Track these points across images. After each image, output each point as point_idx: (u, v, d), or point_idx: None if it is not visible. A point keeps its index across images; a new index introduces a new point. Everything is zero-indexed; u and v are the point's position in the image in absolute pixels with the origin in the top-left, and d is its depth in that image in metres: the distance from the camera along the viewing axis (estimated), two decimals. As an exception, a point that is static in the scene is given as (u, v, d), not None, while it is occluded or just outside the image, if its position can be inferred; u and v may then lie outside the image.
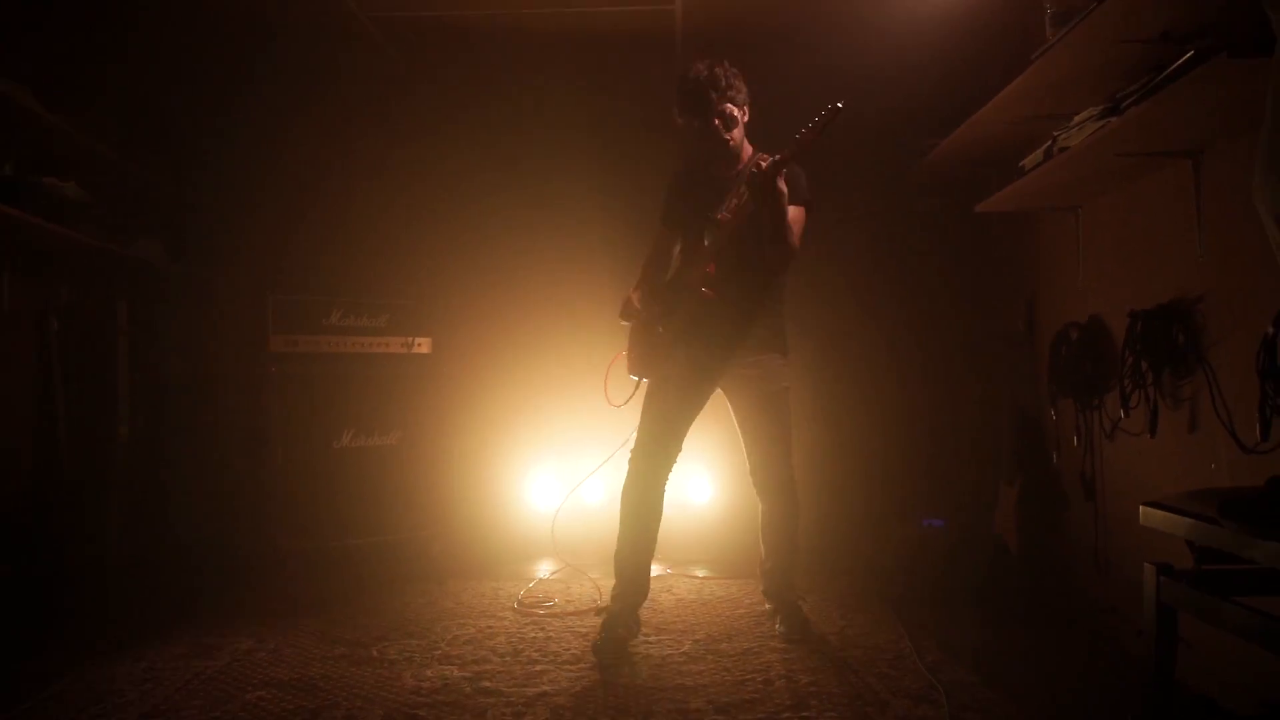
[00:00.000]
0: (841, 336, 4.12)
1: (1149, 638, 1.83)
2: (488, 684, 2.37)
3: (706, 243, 2.62)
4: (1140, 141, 2.15)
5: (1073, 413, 2.88)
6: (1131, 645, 2.52)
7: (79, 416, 3.48)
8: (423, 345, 4.05)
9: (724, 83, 2.60)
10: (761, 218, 2.50)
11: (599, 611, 2.77)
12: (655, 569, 3.72)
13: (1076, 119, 2.27)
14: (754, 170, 2.45)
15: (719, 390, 2.78)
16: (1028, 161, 2.64)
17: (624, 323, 2.88)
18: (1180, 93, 1.82)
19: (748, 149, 2.73)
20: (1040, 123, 2.88)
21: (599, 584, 3.48)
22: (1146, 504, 1.84)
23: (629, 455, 2.74)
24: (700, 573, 3.68)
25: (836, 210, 4.10)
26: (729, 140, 2.64)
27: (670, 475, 2.74)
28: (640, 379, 2.84)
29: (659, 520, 2.75)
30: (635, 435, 2.73)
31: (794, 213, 2.57)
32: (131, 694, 2.30)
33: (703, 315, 2.62)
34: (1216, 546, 1.63)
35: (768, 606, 2.92)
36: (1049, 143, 2.47)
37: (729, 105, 2.61)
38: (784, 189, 2.46)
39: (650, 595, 3.28)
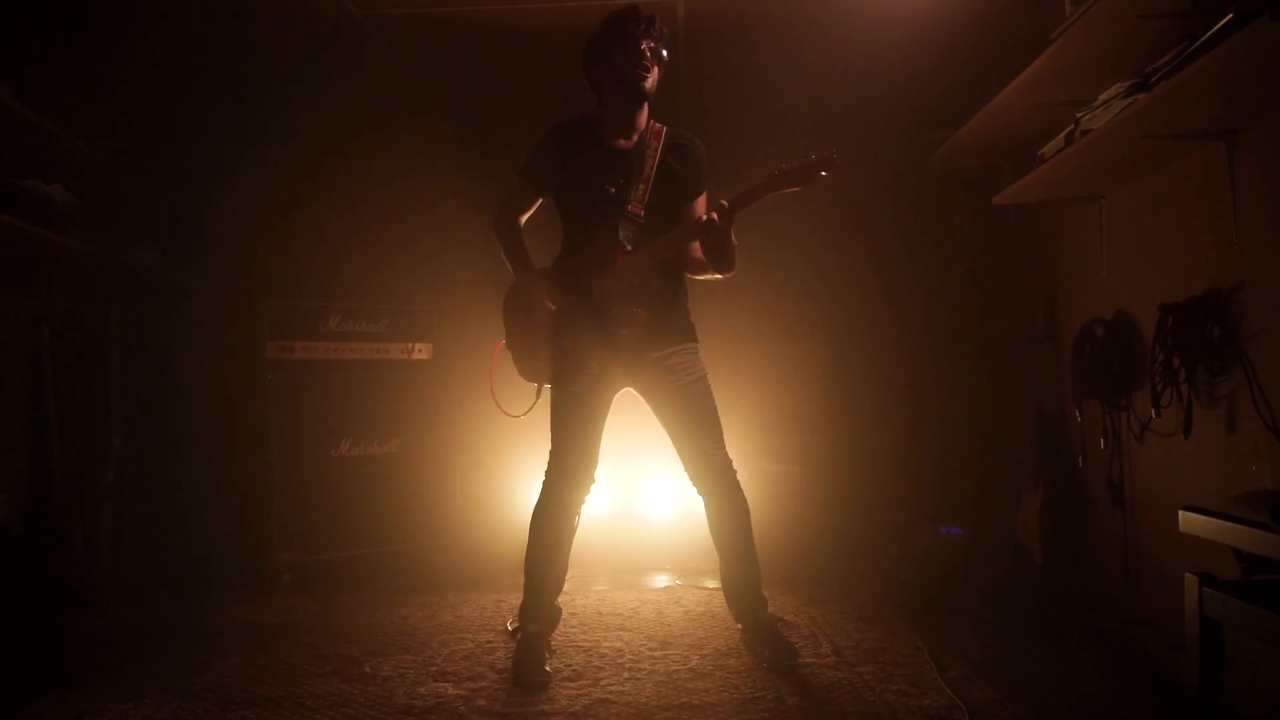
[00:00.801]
0: (854, 336, 4.00)
1: (1191, 655, 1.70)
2: (483, 703, 2.25)
3: (629, 248, 2.43)
4: (1171, 121, 2.01)
5: (1099, 414, 2.73)
6: (1166, 660, 2.37)
7: (72, 426, 3.39)
8: (423, 351, 3.95)
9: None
10: (708, 262, 2.40)
11: (513, 633, 2.56)
12: (663, 579, 3.64)
13: (1102, 97, 2.14)
14: (711, 217, 2.31)
15: (631, 390, 2.59)
16: (1048, 149, 2.50)
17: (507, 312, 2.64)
18: (1217, 62, 1.68)
19: (645, 119, 2.54)
20: (1060, 110, 2.75)
21: (604, 596, 3.36)
22: (1186, 508, 1.71)
23: (546, 473, 2.54)
24: (710, 584, 3.54)
25: (846, 207, 3.99)
26: (646, 100, 2.48)
27: (588, 496, 2.55)
28: (541, 385, 2.60)
29: (571, 542, 2.56)
30: (550, 451, 2.53)
31: (701, 204, 2.52)
32: (110, 713, 2.19)
33: (618, 323, 2.45)
34: (1268, 555, 1.49)
35: (739, 629, 2.61)
36: (1071, 127, 2.33)
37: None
38: (734, 241, 2.35)
39: (658, 607, 3.18)
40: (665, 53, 2.46)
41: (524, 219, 2.65)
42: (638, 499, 4.05)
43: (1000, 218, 3.42)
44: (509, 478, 4.00)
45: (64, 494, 3.29)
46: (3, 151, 3.10)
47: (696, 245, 2.45)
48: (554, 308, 2.47)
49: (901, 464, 3.79)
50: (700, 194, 2.56)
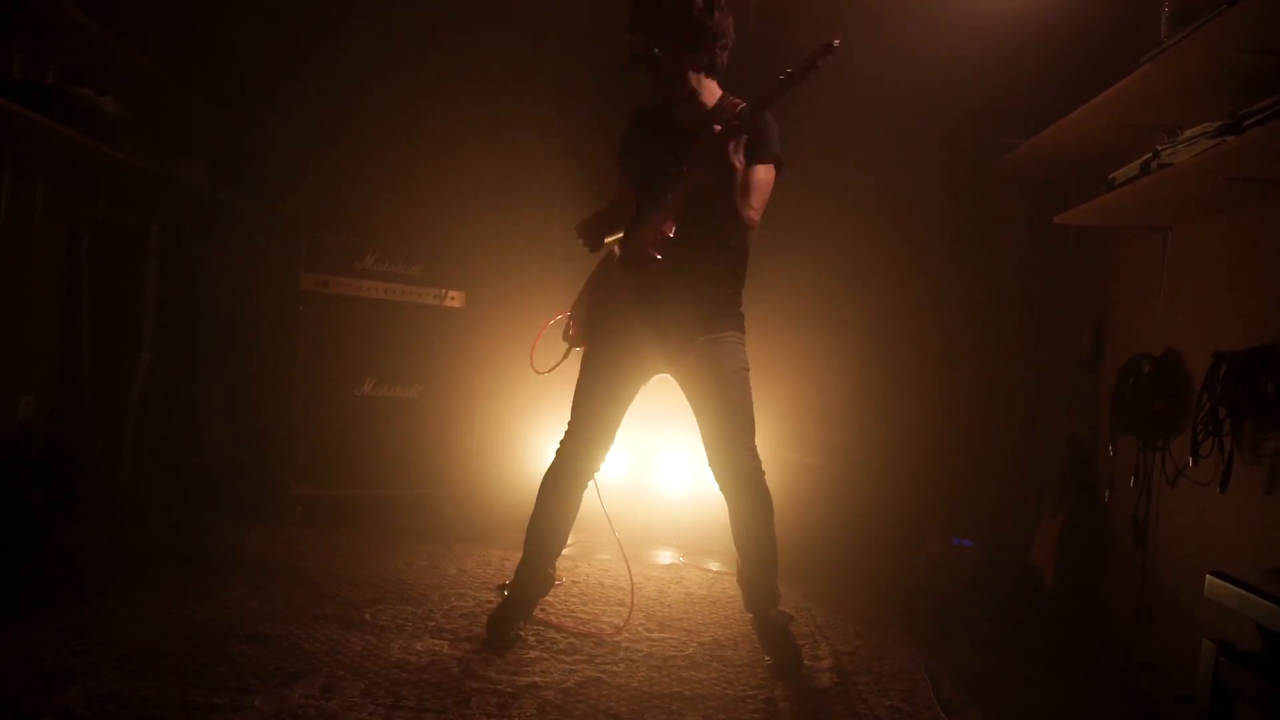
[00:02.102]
0: (890, 334, 3.92)
1: (1199, 716, 1.66)
2: (476, 667, 2.26)
3: (669, 198, 2.32)
4: (1259, 166, 1.91)
5: (1133, 451, 2.66)
6: (1168, 709, 2.33)
7: (103, 336, 3.42)
8: (455, 299, 3.93)
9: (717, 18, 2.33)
10: (704, 186, 2.24)
11: (502, 588, 2.62)
12: (668, 556, 3.65)
13: (1186, 133, 2.04)
14: (707, 135, 2.18)
15: (667, 375, 2.51)
16: (1119, 174, 2.40)
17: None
18: (1319, 117, 1.59)
19: (716, 92, 2.44)
20: (1136, 131, 2.65)
21: (607, 566, 3.37)
22: (1214, 573, 1.66)
23: (560, 441, 2.51)
24: (714, 565, 3.54)
25: (897, 201, 3.89)
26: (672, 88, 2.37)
27: (598, 471, 2.53)
28: (572, 348, 2.58)
29: (576, 514, 2.55)
30: (569, 421, 2.50)
31: (762, 173, 2.29)
32: (116, 633, 2.23)
33: (658, 285, 2.35)
34: (1295, 638, 1.44)
35: (750, 621, 2.59)
36: (1148, 155, 2.23)
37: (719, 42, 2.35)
38: (736, 162, 2.19)
39: (660, 585, 3.18)
40: (659, 39, 2.31)
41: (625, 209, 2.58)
42: (650, 471, 4.04)
43: (1057, 234, 3.31)
44: (528, 434, 4.00)
45: (89, 403, 3.33)
46: (59, 56, 3.08)
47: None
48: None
49: (922, 469, 3.74)
50: (759, 160, 2.33)
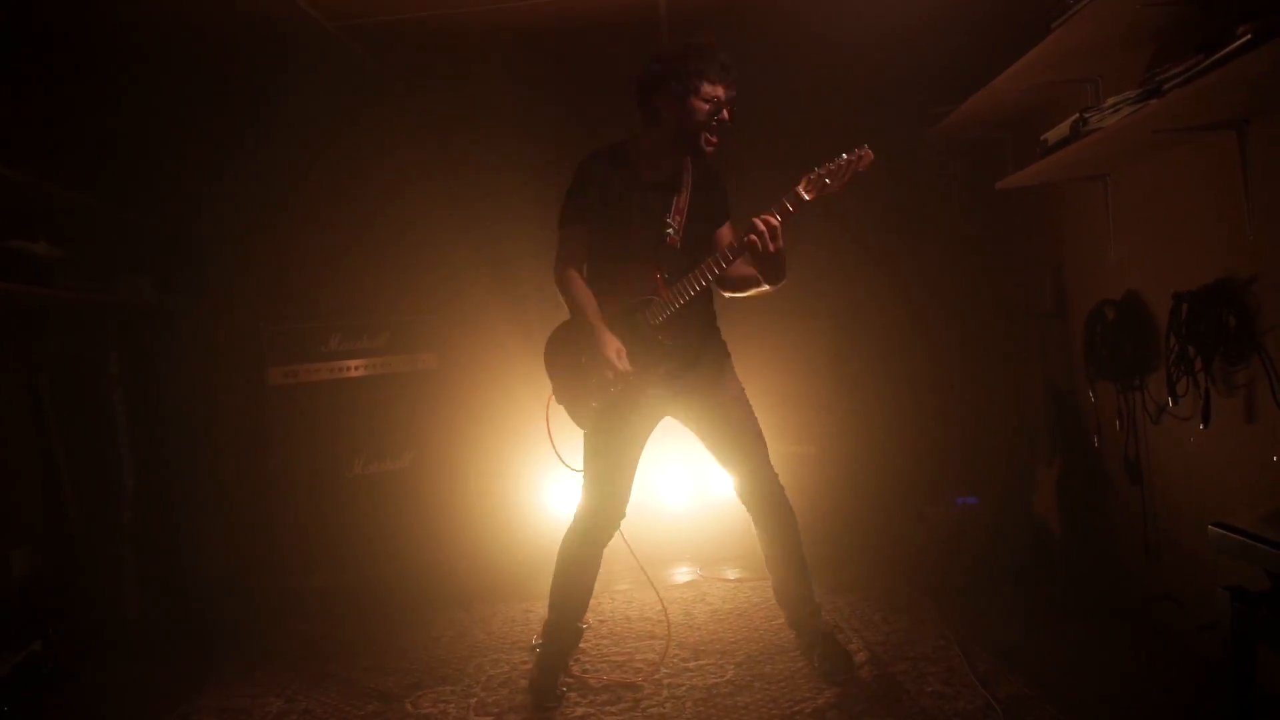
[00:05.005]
0: (863, 312, 3.97)
1: (1228, 664, 1.72)
2: (528, 738, 2.29)
3: (668, 279, 2.36)
4: (1182, 119, 1.97)
5: (1113, 395, 2.73)
6: (1193, 640, 2.41)
7: (83, 474, 3.37)
8: (427, 361, 3.92)
9: None
10: (760, 276, 2.32)
11: (535, 647, 2.65)
12: (686, 572, 3.68)
13: (1110, 101, 2.10)
14: (755, 234, 2.20)
15: (669, 416, 2.54)
16: (1051, 136, 2.46)
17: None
18: (1231, 75, 1.64)
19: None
20: (1059, 86, 2.71)
21: (629, 598, 3.40)
22: (1216, 525, 1.72)
23: (578, 510, 2.50)
24: (732, 574, 3.59)
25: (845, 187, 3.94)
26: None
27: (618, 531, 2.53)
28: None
29: (597, 572, 2.56)
30: (584, 490, 2.48)
31: (727, 229, 2.52)
32: (164, 780, 2.23)
33: (670, 356, 2.40)
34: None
35: (794, 637, 2.67)
36: (1075, 118, 2.28)
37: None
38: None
39: (684, 606, 3.22)
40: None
41: (585, 265, 2.51)
42: (654, 487, 4.06)
43: (1002, 191, 3.37)
44: (524, 481, 4.01)
45: (82, 544, 3.29)
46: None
47: (737, 264, 2.41)
48: (626, 369, 2.31)
49: (914, 440, 3.80)
50: (727, 221, 2.57)
